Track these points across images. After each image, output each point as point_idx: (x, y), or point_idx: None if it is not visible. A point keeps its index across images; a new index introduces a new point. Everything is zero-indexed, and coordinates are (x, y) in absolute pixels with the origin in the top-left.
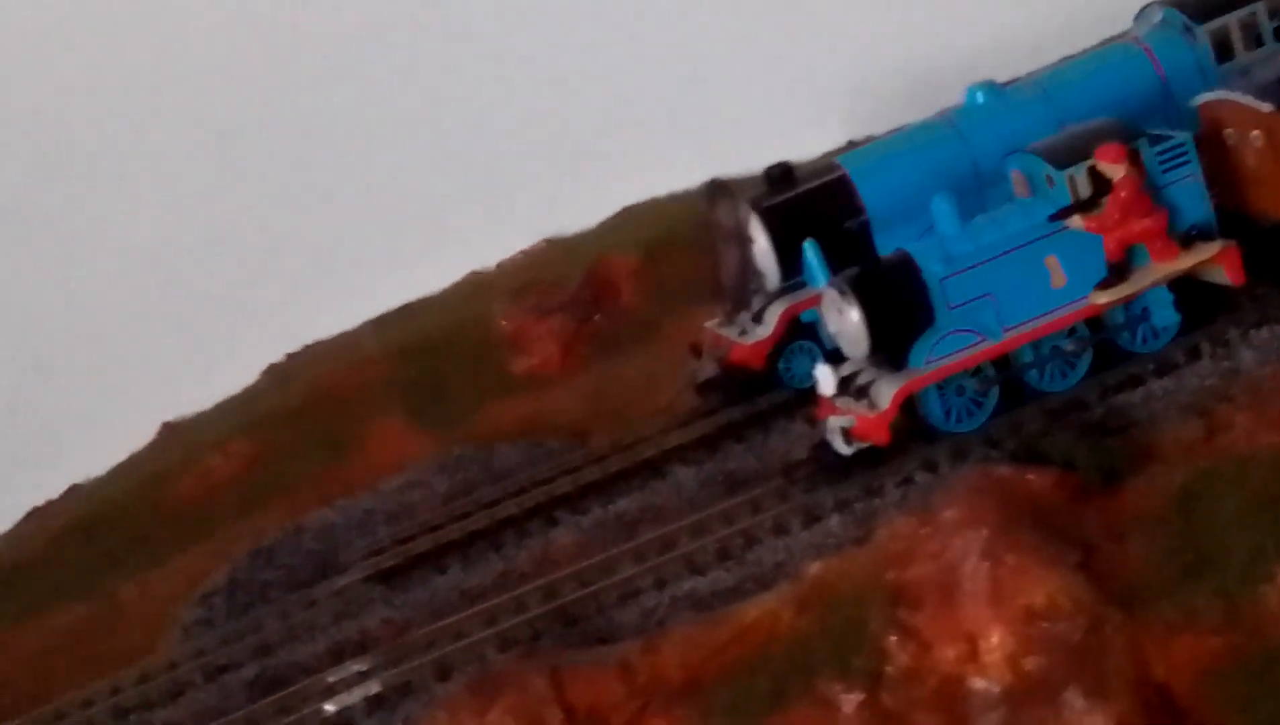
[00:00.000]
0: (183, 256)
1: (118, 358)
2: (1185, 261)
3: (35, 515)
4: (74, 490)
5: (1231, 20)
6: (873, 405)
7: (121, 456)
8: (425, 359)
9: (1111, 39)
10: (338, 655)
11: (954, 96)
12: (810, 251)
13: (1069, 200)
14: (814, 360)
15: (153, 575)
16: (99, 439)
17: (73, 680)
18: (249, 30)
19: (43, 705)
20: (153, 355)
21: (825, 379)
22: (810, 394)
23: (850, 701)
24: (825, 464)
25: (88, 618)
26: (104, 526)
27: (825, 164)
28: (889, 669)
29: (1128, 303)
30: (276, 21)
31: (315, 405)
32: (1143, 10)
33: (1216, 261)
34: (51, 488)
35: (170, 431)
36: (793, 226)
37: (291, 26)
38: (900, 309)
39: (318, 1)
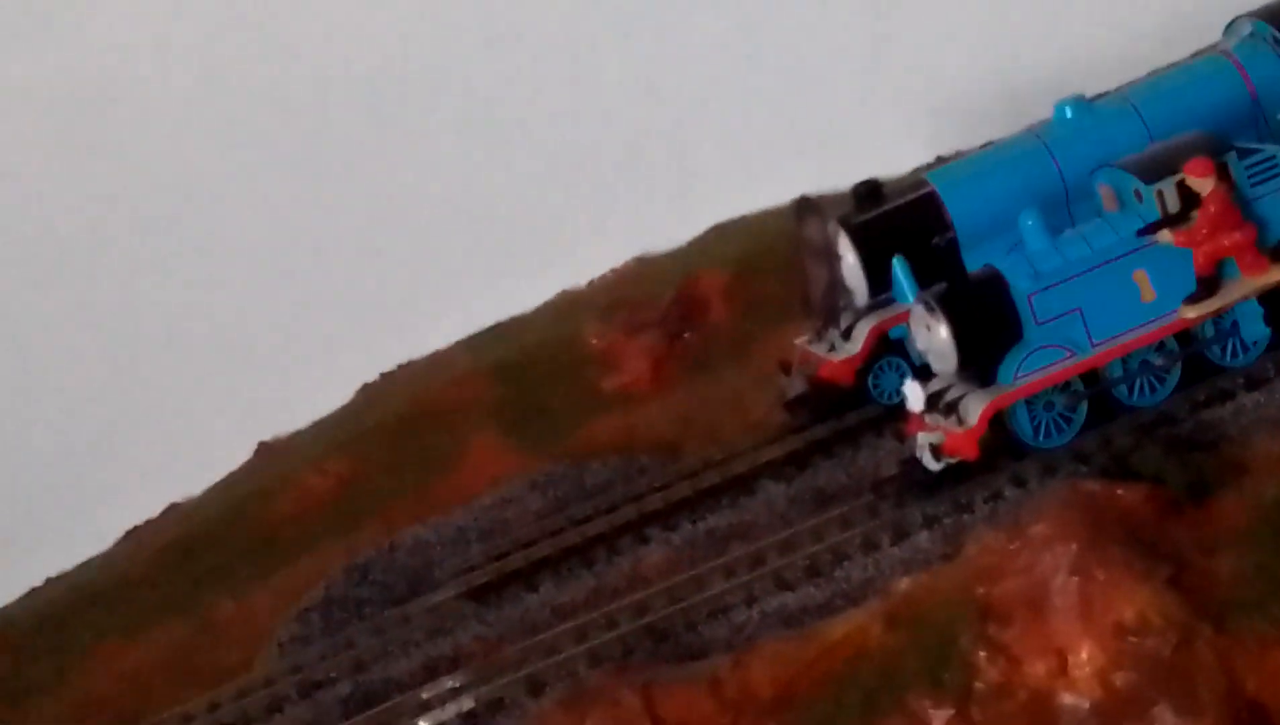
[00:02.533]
0: (276, 277)
1: (214, 379)
2: (1275, 275)
3: (134, 534)
4: (172, 509)
5: None
6: (961, 421)
7: (219, 476)
8: (518, 377)
9: (1200, 52)
10: (432, 671)
11: (1042, 111)
12: (899, 268)
13: (1157, 215)
14: (903, 376)
15: (250, 593)
16: (196, 459)
17: (172, 696)
18: (338, 52)
19: (142, 721)
20: (248, 376)
21: (914, 395)
22: (899, 410)
23: (940, 717)
24: (914, 480)
25: (186, 635)
26: (202, 545)
27: (913, 180)
28: (979, 684)
29: (1217, 317)
30: (369, 42)
31: (409, 424)
32: (1232, 23)
33: None
34: (150, 507)
35: (266, 451)
36: (881, 243)
37: (386, 46)
38: (988, 324)
39: (409, 24)
